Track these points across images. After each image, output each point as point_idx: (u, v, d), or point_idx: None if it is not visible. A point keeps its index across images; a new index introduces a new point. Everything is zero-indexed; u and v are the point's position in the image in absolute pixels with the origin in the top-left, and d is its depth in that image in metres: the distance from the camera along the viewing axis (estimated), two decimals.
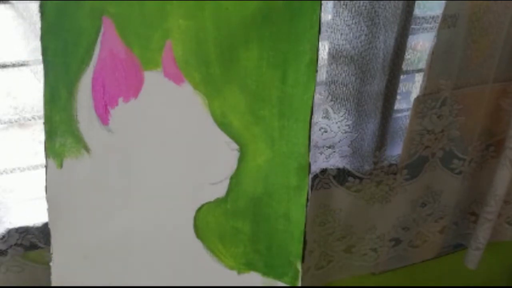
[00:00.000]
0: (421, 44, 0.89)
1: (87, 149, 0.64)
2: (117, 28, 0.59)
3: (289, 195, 0.65)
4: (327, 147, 0.88)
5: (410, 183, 0.97)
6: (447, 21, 0.81)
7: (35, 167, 0.79)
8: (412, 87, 0.98)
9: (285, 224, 0.66)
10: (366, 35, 0.79)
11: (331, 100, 0.86)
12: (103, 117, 0.63)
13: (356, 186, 0.93)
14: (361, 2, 0.77)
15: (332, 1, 0.78)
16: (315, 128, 0.86)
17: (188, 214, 0.68)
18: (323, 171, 0.90)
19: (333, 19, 0.80)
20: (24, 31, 0.66)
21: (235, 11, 0.57)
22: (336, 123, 0.87)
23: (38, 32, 0.57)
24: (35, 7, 0.58)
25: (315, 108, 0.62)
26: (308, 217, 0.66)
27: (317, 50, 0.59)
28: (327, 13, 0.80)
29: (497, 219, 1.06)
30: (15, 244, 0.77)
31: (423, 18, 0.85)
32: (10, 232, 0.77)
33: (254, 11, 0.57)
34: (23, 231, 0.77)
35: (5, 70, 0.70)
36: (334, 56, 0.83)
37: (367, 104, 0.85)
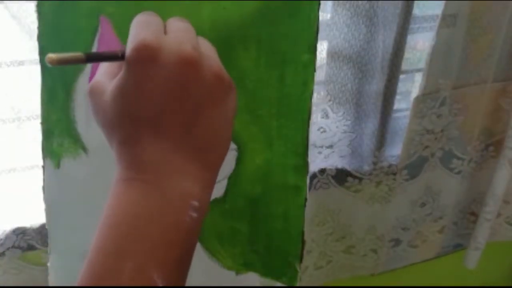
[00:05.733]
0: (420, 44, 0.89)
1: (84, 149, 0.63)
2: (115, 28, 0.58)
3: (288, 195, 0.65)
4: (326, 147, 0.88)
5: (409, 183, 0.97)
6: (447, 20, 0.81)
7: (32, 168, 0.79)
8: (411, 87, 0.98)
9: (283, 224, 0.66)
10: (365, 34, 0.79)
11: (330, 100, 0.85)
12: None
13: (355, 186, 0.93)
14: (360, 1, 0.77)
15: (331, 1, 0.78)
16: (313, 128, 0.86)
17: None
18: (322, 171, 0.89)
19: (332, 19, 0.80)
20: (20, 31, 0.65)
21: (233, 10, 0.57)
22: (335, 123, 0.87)
23: (34, 32, 0.57)
24: (31, 7, 0.58)
25: (313, 108, 0.61)
26: (307, 217, 0.66)
27: (316, 49, 0.59)
28: (326, 13, 0.80)
29: (496, 219, 1.05)
30: (13, 246, 0.77)
31: (422, 17, 0.85)
32: (7, 234, 0.76)
33: (252, 11, 0.57)
34: (20, 233, 0.77)
35: (1, 69, 0.70)
36: (332, 55, 0.83)
37: (366, 104, 0.85)
